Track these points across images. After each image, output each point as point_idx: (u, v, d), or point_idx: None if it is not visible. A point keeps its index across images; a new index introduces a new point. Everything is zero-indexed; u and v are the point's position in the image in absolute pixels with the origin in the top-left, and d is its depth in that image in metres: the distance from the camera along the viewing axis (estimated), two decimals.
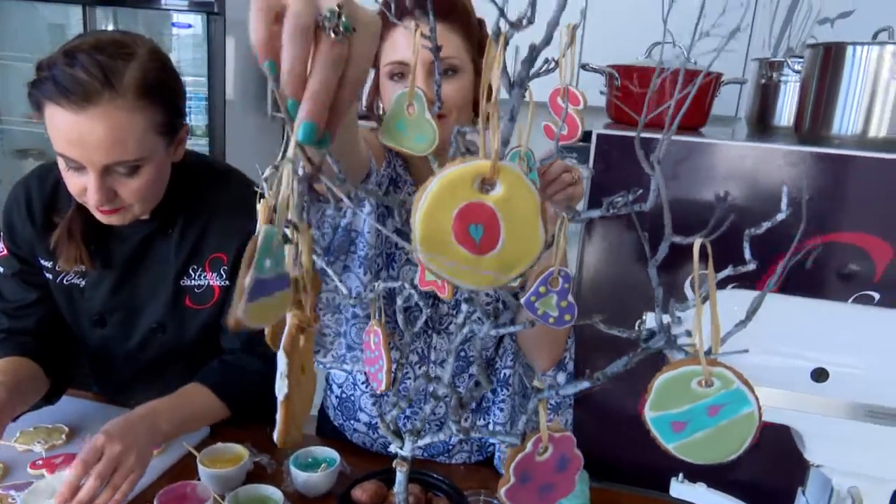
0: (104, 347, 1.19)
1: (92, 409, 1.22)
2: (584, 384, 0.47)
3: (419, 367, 1.11)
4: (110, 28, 2.83)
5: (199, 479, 0.98)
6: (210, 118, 2.73)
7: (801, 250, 1.36)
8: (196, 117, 2.73)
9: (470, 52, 0.97)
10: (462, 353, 1.13)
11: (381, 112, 1.02)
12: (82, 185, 0.96)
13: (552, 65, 0.51)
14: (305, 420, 0.49)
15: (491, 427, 1.16)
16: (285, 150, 0.40)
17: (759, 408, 0.40)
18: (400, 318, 0.68)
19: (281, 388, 0.44)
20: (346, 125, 0.54)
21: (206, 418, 1.12)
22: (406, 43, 0.93)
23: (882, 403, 0.63)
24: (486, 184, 0.38)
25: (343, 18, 0.39)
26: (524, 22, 0.34)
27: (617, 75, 1.58)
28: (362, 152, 0.84)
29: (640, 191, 0.48)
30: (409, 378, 1.12)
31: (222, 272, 1.14)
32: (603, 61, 1.62)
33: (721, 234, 0.42)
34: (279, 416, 0.45)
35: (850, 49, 1.34)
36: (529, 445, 0.49)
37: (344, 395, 1.22)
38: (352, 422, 1.21)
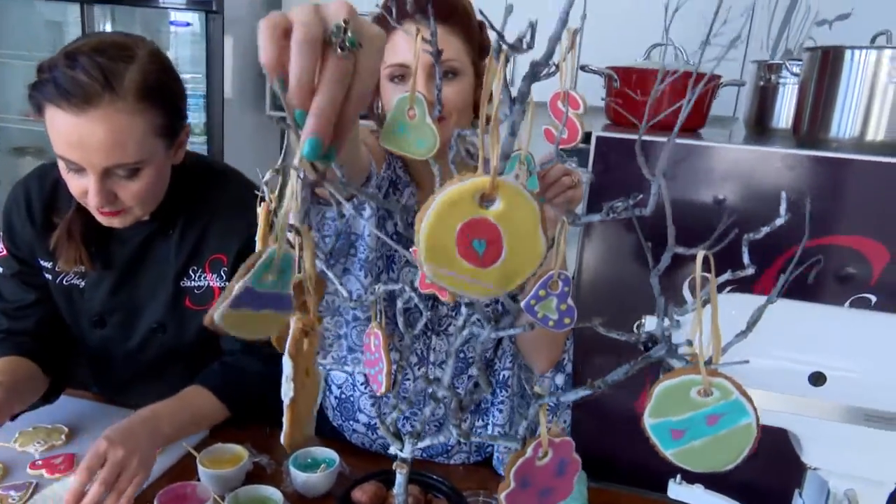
0: (104, 348, 1.19)
1: (91, 410, 1.22)
2: (585, 392, 0.48)
3: (418, 369, 1.12)
4: (108, 25, 2.83)
5: (198, 480, 0.98)
6: (208, 116, 2.74)
7: (797, 253, 1.37)
8: (194, 115, 2.73)
9: (470, 54, 0.97)
10: (461, 355, 1.13)
11: (380, 112, 1.02)
12: (83, 187, 0.96)
13: (552, 69, 0.51)
14: (310, 421, 0.49)
15: (490, 428, 1.17)
16: (285, 152, 0.40)
17: (758, 419, 0.40)
18: (400, 320, 0.68)
19: (287, 391, 0.44)
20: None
21: (208, 420, 1.12)
22: (406, 45, 0.93)
23: (879, 407, 0.64)
24: (485, 199, 0.38)
25: (349, 34, 0.39)
26: (524, 45, 0.34)
27: (616, 77, 1.58)
28: (363, 156, 0.84)
29: (640, 196, 0.49)
30: (409, 379, 1.12)
31: (222, 273, 1.14)
32: (601, 62, 1.63)
33: (718, 237, 0.42)
34: (286, 419, 0.45)
35: (848, 53, 1.34)
36: (529, 450, 0.49)
37: (343, 396, 1.22)
38: (351, 422, 1.22)
